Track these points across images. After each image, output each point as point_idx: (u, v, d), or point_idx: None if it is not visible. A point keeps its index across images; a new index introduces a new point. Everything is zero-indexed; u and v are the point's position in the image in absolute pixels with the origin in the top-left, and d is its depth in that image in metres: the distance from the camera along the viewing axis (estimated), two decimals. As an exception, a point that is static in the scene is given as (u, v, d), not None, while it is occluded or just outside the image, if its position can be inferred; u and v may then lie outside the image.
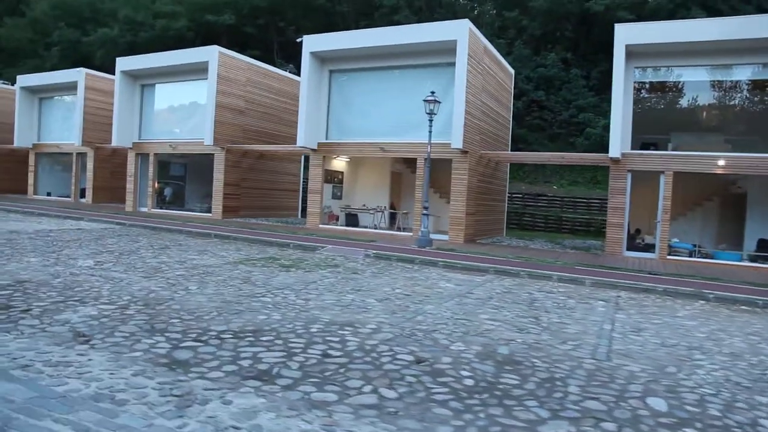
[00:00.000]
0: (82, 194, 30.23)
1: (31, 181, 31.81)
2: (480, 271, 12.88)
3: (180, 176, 28.52)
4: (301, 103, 20.14)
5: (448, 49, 18.13)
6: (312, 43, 20.02)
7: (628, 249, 18.17)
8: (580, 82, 38.04)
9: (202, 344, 5.78)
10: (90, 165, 29.09)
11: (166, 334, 6.06)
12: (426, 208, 16.96)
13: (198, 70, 23.52)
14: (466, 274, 12.56)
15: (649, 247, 18.63)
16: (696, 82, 19.45)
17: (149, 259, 11.73)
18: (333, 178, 21.88)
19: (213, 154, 23.73)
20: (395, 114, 19.93)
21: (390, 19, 42.51)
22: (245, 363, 5.28)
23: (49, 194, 31.85)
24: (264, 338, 6.17)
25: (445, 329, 7.18)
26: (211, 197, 27.65)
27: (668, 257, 17.24)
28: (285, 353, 5.67)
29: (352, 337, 6.48)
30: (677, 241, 18.53)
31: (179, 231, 17.52)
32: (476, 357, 6.00)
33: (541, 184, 34.39)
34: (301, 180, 28.32)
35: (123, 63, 25.22)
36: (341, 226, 21.43)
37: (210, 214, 23.58)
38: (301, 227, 20.51)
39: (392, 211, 22.52)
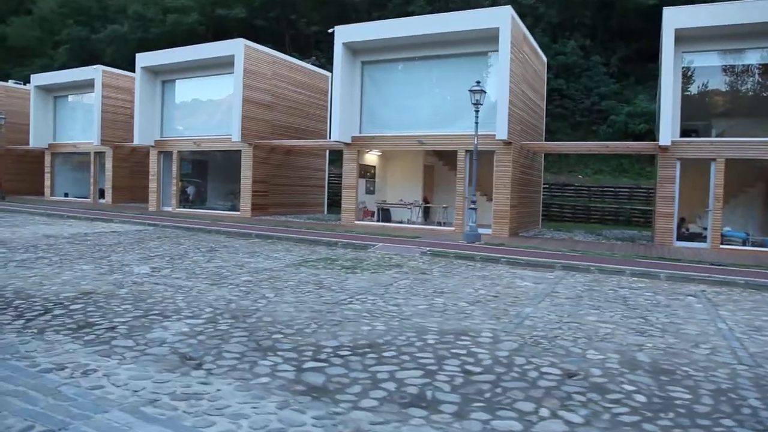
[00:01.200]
0: (101, 194, 29.61)
1: (48, 182, 31.16)
2: (546, 267, 12.26)
3: (201, 174, 27.86)
4: (334, 97, 19.48)
5: (488, 37, 17.46)
6: (344, 33, 19.32)
7: (678, 239, 17.55)
8: (601, 69, 37.30)
9: (326, 364, 5.18)
10: (109, 164, 28.45)
11: (280, 353, 5.46)
12: (473, 202, 16.34)
13: (222, 65, 22.82)
14: (534, 270, 11.94)
15: (695, 236, 18.04)
16: (742, 65, 18.75)
17: (204, 263, 11.12)
18: (365, 172, 21.23)
19: (239, 151, 23.09)
20: (432, 105, 19.28)
21: (404, 9, 41.74)
22: (390, 386, 4.68)
23: (66, 195, 31.22)
24: (386, 354, 5.57)
25: (565, 335, 6.59)
26: (233, 195, 27.11)
27: (721, 246, 16.61)
28: (422, 372, 5.08)
29: (476, 348, 5.89)
30: (729, 229, 17.90)
31: (216, 231, 16.90)
32: (623, 367, 5.46)
33: (565, 174, 33.72)
34: (327, 175, 27.67)
35: (143, 59, 24.51)
36: (381, 222, 20.80)
37: (237, 213, 22.95)
38: (336, 224, 19.88)
39: (426, 205, 21.87)
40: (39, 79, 30.66)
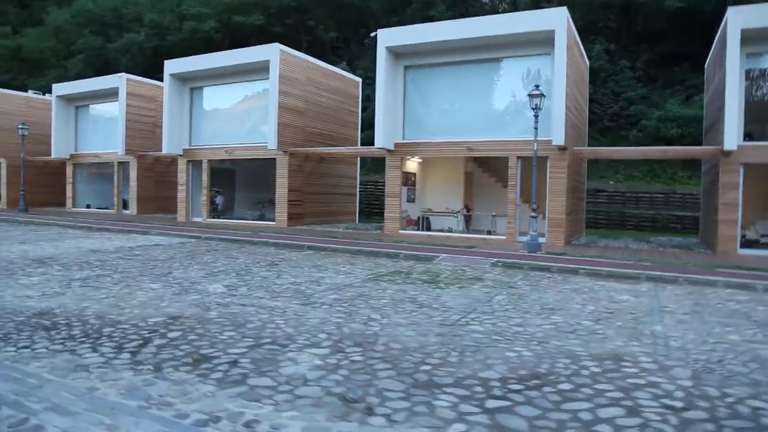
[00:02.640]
0: (125, 205, 28.94)
1: (69, 193, 30.47)
2: (630, 278, 11.55)
3: (228, 184, 27.20)
4: (377, 102, 18.80)
5: (541, 39, 16.85)
6: (387, 37, 18.69)
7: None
8: (628, 73, 36.66)
9: (509, 402, 4.50)
10: (133, 174, 27.80)
11: (447, 390, 4.77)
12: (534, 210, 15.63)
13: (254, 70, 22.21)
14: (619, 282, 11.23)
15: (751, 243, 17.39)
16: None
17: (275, 279, 10.42)
18: (406, 180, 20.53)
19: (268, 159, 22.45)
20: (479, 110, 18.63)
21: (424, 14, 41.27)
22: (605, 430, 3.97)
23: (88, 206, 30.53)
24: (563, 387, 4.89)
25: (729, 359, 5.89)
26: (261, 204, 26.52)
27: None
28: (623, 409, 4.43)
29: (652, 377, 5.23)
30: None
31: (264, 243, 16.20)
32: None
33: (596, 180, 33.00)
34: (358, 183, 26.99)
35: (172, 66, 23.88)
36: (423, 231, 20.10)
37: (271, 223, 22.24)
38: (381, 233, 19.19)
39: (475, 213, 21.13)
40: (60, 88, 30.05)
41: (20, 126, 27.86)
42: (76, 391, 4.49)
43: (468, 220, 21.33)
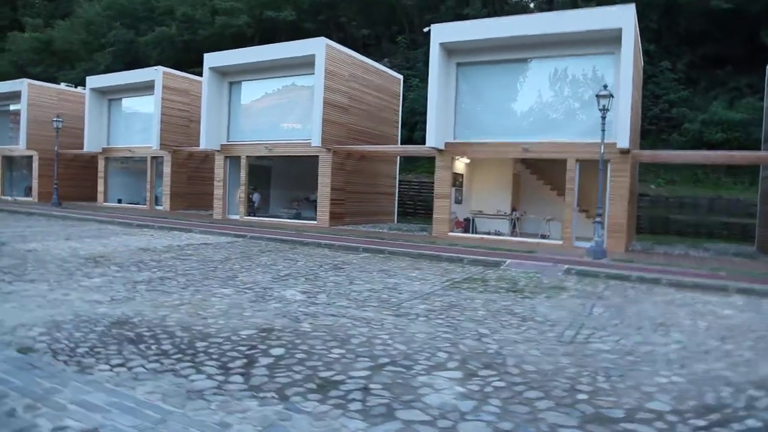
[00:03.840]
0: (156, 201, 28.55)
1: (101, 188, 30.07)
2: (717, 289, 10.82)
3: (263, 181, 26.70)
4: (429, 100, 18.16)
5: (605, 38, 16.18)
6: (441, 33, 18.03)
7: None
8: (669, 75, 35.70)
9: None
10: (167, 170, 27.35)
11: (629, 428, 4.13)
12: (599, 215, 14.94)
13: (297, 65, 21.67)
14: (706, 293, 10.52)
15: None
16: None
17: (347, 284, 9.86)
18: (454, 181, 19.86)
19: (306, 157, 21.95)
20: (536, 111, 17.94)
21: (458, 12, 40.60)
22: None
23: (119, 201, 30.18)
24: (750, 423, 4.24)
25: None
26: (297, 202, 26.01)
27: None
28: None
29: None
30: None
31: (315, 244, 15.64)
32: None
33: (637, 183, 32.14)
34: (397, 182, 26.37)
35: (212, 59, 23.37)
36: (471, 233, 19.45)
37: (310, 222, 21.71)
38: (429, 235, 18.58)
39: (529, 216, 20.35)
40: (94, 81, 29.69)
41: (55, 119, 27.52)
42: (207, 427, 3.90)
43: (515, 223, 20.62)
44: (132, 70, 29.65)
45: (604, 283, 11.21)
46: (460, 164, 20.42)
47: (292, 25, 40.98)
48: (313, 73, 20.81)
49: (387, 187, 25.38)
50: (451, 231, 19.02)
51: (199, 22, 41.53)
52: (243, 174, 23.40)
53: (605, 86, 14.72)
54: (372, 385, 4.82)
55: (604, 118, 14.67)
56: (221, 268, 11.08)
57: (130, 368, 5.04)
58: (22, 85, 30.99)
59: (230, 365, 5.23)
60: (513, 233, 19.72)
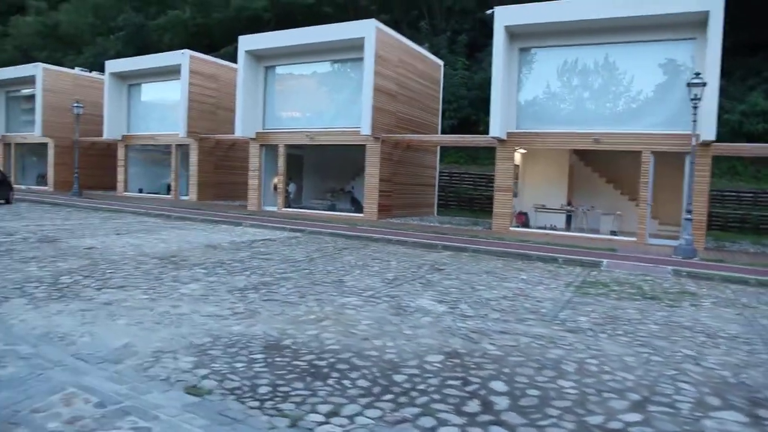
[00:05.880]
0: (170, 190, 27.46)
1: (121, 176, 28.86)
2: None
3: (296, 170, 25.61)
4: (493, 87, 17.15)
5: (686, 22, 15.27)
6: (506, 16, 17.00)
7: None
8: (701, 63, 34.73)
9: None
10: (194, 158, 26.20)
11: None
12: (689, 212, 14.04)
13: (341, 49, 20.59)
14: None
15: None
16: None
17: (470, 290, 8.92)
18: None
19: (343, 146, 20.96)
20: (605, 99, 16.99)
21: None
22: None
23: (141, 191, 29.00)
24: None
25: None
26: (331, 194, 25.01)
27: None
28: None
29: None
30: None
31: (385, 240, 14.65)
32: None
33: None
34: (437, 173, 25.37)
35: (247, 42, 22.18)
36: (534, 228, 18.51)
37: (356, 215, 20.75)
38: (491, 230, 17.64)
39: (598, 211, 19.38)
40: (114, 65, 28.40)
41: (75, 104, 26.29)
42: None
43: (568, 218, 19.70)
44: (154, 54, 28.30)
45: (728, 287, 10.33)
46: (516, 155, 19.43)
47: (311, 9, 39.70)
48: (360, 58, 19.75)
49: (428, 178, 24.37)
50: (512, 226, 18.07)
51: (213, 5, 40.12)
52: (281, 163, 22.32)
53: (697, 74, 13.82)
54: (668, 439, 3.87)
55: (695, 107, 13.75)
56: (315, 270, 10.08)
57: (351, 418, 4.04)
58: (36, 69, 29.63)
59: (465, 409, 4.26)
60: (568, 228, 18.84)
